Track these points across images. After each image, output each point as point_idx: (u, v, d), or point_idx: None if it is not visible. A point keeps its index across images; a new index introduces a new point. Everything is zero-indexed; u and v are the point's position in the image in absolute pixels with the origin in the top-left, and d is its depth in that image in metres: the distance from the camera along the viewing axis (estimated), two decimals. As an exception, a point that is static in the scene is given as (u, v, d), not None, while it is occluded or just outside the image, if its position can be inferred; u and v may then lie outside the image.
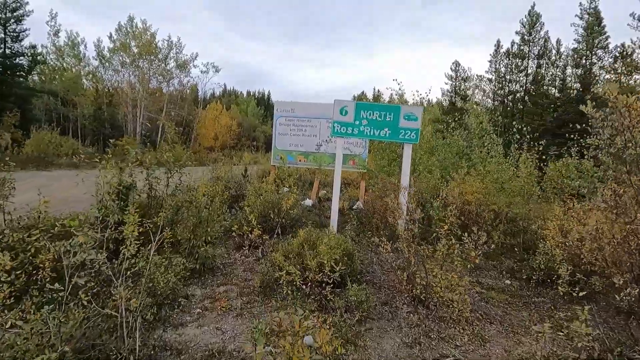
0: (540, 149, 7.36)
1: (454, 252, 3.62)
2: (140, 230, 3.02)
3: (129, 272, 2.76)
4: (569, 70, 27.44)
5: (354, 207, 10.51)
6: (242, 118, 52.56)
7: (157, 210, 4.77)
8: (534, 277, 4.83)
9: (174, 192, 5.08)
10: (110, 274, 2.69)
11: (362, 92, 66.19)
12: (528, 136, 8.01)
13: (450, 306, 3.58)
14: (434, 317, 3.71)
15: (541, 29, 26.42)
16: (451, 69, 35.00)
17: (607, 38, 25.30)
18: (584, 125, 3.98)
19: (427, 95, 23.38)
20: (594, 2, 23.90)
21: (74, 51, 31.06)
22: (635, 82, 27.18)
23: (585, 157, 7.22)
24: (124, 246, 2.78)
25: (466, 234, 3.54)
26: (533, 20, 26.30)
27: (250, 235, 5.03)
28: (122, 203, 4.19)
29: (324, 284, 3.65)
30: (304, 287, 3.75)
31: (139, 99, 30.68)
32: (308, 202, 10.85)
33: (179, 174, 5.17)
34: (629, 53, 27.78)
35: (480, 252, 3.48)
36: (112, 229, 2.95)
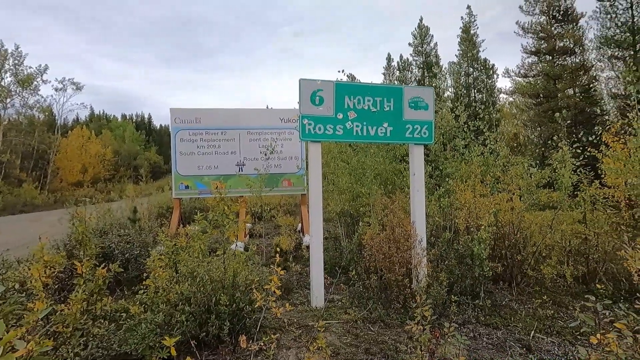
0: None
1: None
2: None
3: None
4: (450, 81, 30.04)
5: (304, 243, 7.78)
6: (118, 145, 44.56)
7: None
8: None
9: None
10: None
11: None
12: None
13: None
14: None
15: (430, 41, 28.42)
16: (347, 82, 35.19)
17: (478, 52, 28.40)
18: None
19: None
20: (472, 17, 26.60)
21: None
22: (499, 90, 31.38)
23: None
24: None
25: None
26: (423, 33, 28.07)
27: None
28: None
29: None
30: None
31: (-44, 126, 22.17)
32: (239, 245, 7.62)
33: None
34: (491, 67, 32.14)
35: None
36: None
